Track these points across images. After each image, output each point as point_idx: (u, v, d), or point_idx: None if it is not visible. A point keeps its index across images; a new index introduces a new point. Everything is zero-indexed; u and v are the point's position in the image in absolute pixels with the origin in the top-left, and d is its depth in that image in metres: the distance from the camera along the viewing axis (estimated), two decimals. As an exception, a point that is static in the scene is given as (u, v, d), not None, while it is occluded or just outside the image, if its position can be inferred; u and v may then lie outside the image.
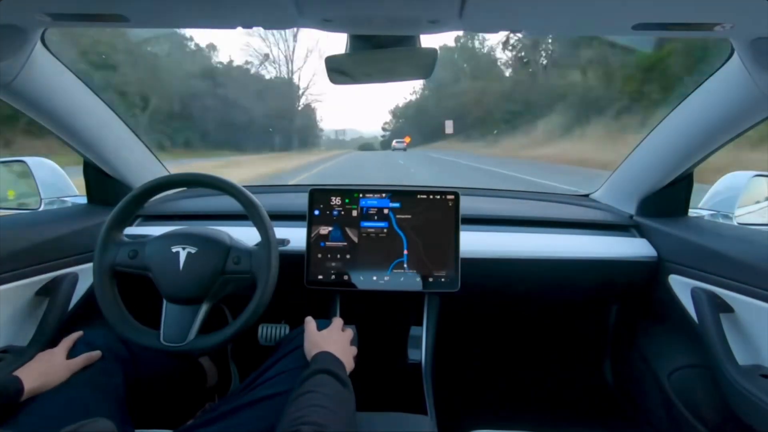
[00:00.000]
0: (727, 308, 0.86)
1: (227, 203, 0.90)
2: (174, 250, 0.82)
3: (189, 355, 0.83)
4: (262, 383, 0.74)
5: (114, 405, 0.73)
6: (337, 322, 0.83)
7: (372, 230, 1.00)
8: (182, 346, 0.80)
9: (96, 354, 0.77)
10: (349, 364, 0.74)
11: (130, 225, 1.11)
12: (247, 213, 0.85)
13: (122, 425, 0.70)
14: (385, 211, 1.01)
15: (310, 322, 0.80)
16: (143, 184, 0.87)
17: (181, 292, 0.82)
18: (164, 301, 0.83)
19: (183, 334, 0.80)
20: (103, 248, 0.83)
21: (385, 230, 1.00)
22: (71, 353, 0.77)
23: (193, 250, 0.82)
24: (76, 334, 0.81)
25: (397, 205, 1.01)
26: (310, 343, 0.75)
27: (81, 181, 1.18)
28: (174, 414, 0.87)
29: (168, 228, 0.90)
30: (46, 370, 0.72)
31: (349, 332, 0.82)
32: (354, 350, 0.79)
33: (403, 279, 0.99)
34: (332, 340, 0.76)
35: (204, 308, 0.82)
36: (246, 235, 0.91)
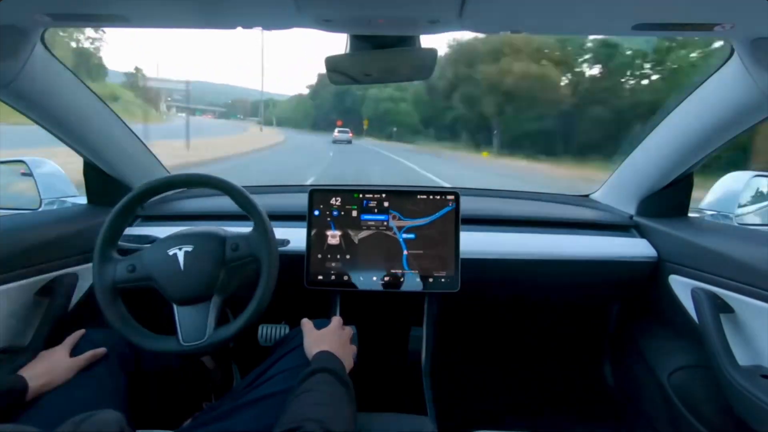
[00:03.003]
0: (727, 308, 0.86)
1: (227, 203, 0.90)
2: (171, 252, 0.82)
3: (213, 349, 0.83)
4: (262, 383, 0.74)
5: (118, 404, 0.73)
6: (336, 321, 0.83)
7: (372, 223, 1.00)
8: (204, 342, 0.79)
9: (101, 351, 0.77)
10: (349, 363, 0.74)
11: (130, 225, 1.11)
12: (246, 213, 0.85)
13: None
14: (386, 204, 1.01)
15: (307, 324, 0.80)
16: (133, 191, 0.86)
17: (188, 292, 0.81)
18: (174, 306, 0.82)
19: (201, 331, 0.79)
20: (101, 268, 0.81)
21: (385, 223, 1.00)
22: (75, 351, 0.77)
23: (189, 249, 0.82)
24: (79, 333, 0.81)
25: (397, 204, 1.01)
26: (309, 342, 0.75)
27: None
28: (177, 413, 0.87)
29: (168, 228, 0.90)
30: (50, 368, 0.71)
31: (348, 331, 0.82)
32: (353, 349, 0.79)
33: (403, 279, 0.99)
34: (332, 338, 0.76)
35: (216, 302, 0.81)
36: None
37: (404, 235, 1.00)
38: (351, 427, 0.59)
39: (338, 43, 0.75)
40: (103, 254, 0.82)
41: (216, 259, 0.82)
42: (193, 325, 0.80)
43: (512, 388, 1.37)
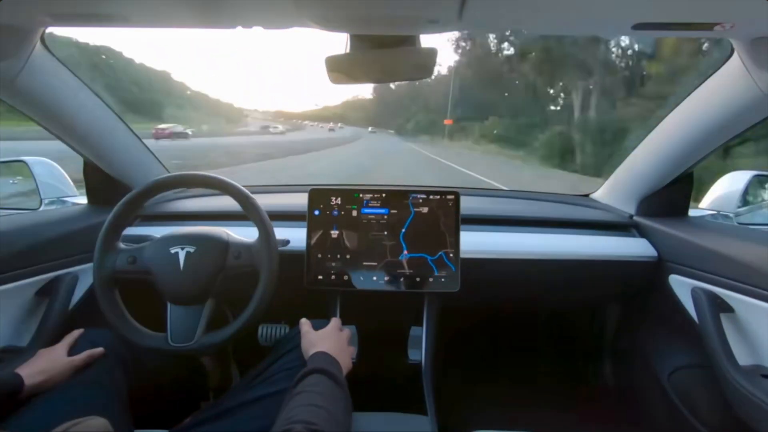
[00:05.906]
0: (727, 308, 0.86)
1: (227, 203, 0.90)
2: (173, 251, 0.82)
3: (199, 354, 0.83)
4: (260, 382, 0.74)
5: (116, 404, 0.73)
6: (335, 322, 0.83)
7: (372, 217, 1.00)
8: (191, 345, 0.79)
9: (98, 351, 0.77)
10: (346, 364, 0.74)
11: (130, 225, 1.11)
12: (246, 213, 0.85)
13: (123, 424, 0.70)
14: (384, 195, 1.01)
15: (305, 324, 0.80)
16: (139, 187, 0.86)
17: (184, 292, 0.81)
18: (168, 304, 0.82)
19: (190, 333, 0.80)
20: (102, 256, 0.82)
21: (386, 216, 1.00)
22: (73, 351, 0.77)
23: (192, 249, 0.82)
24: (78, 332, 0.81)
25: (396, 204, 1.01)
26: (306, 343, 0.75)
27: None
28: (175, 413, 0.87)
29: (167, 228, 0.90)
30: (47, 367, 0.71)
31: (347, 332, 0.82)
32: (351, 350, 0.79)
33: (403, 279, 0.99)
34: (329, 339, 0.76)
35: (209, 306, 0.82)
36: (246, 234, 0.91)
37: (404, 235, 1.00)
38: (344, 428, 0.59)
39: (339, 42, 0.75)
40: (106, 242, 0.83)
41: (216, 263, 0.82)
42: (184, 326, 0.80)
43: (512, 388, 1.37)
